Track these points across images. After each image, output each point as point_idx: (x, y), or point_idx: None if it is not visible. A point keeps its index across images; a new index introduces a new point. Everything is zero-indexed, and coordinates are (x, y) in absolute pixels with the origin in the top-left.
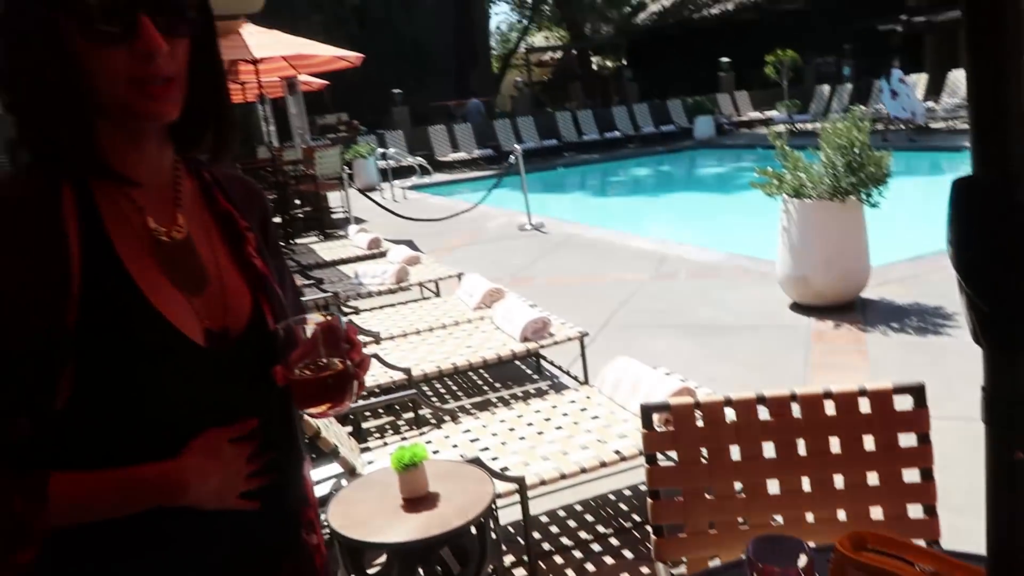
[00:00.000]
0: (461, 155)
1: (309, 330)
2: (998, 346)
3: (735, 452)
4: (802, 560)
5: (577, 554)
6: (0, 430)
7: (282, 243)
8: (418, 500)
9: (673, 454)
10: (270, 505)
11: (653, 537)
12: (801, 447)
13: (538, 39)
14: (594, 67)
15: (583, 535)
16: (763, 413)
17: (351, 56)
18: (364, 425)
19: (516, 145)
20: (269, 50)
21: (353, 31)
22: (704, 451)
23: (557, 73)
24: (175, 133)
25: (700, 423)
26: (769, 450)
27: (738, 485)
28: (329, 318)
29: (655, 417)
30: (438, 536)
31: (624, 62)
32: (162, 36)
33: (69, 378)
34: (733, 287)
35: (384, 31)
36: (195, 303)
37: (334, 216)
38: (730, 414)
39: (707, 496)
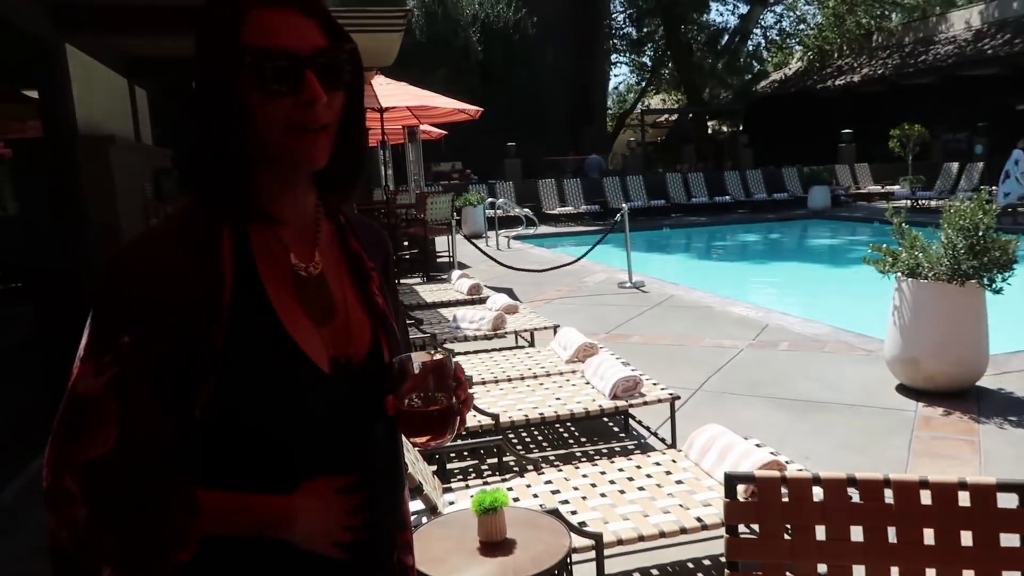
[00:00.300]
0: (568, 209)
1: (418, 366)
2: None
3: (820, 532)
4: None
5: None
6: (152, 429)
7: None
8: (495, 545)
9: (755, 527)
10: (362, 553)
11: None
12: (892, 535)
13: (655, 101)
14: (709, 131)
15: None
16: (854, 495)
17: (470, 109)
18: (449, 466)
19: (624, 203)
20: (395, 100)
21: (475, 84)
22: (788, 527)
23: (671, 135)
24: (319, 178)
25: (785, 498)
26: (857, 534)
27: (822, 567)
28: (440, 356)
29: (739, 488)
30: None
31: (740, 127)
32: (322, 88)
33: (208, 391)
34: (836, 362)
35: (504, 85)
36: (323, 333)
37: (439, 260)
38: (818, 493)
39: (788, 574)
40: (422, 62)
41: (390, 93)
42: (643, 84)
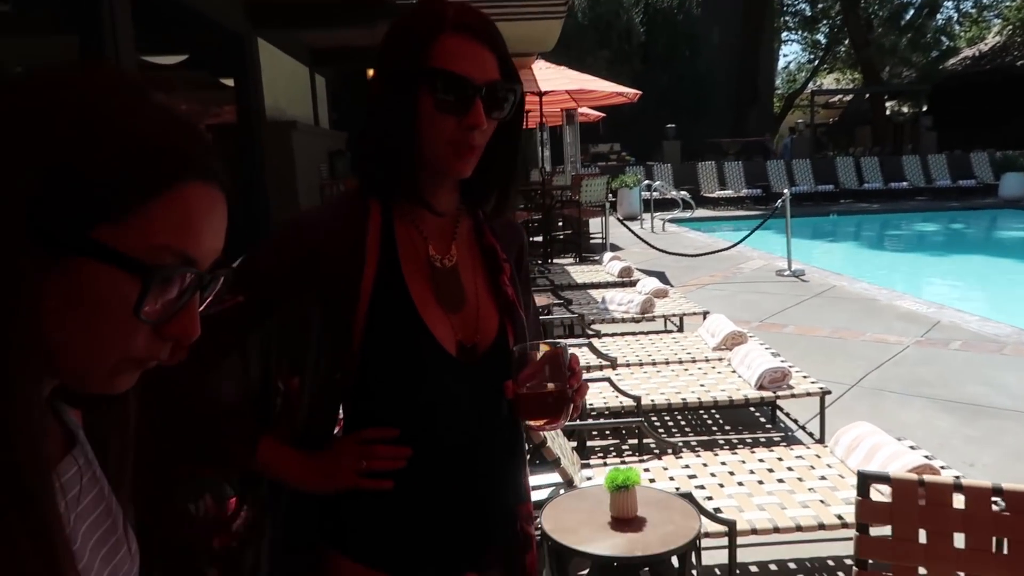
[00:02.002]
0: (727, 192)
1: (540, 355)
2: None
3: (959, 540)
4: None
5: None
6: (216, 369)
7: (540, 262)
8: (625, 521)
9: (888, 528)
10: (492, 497)
11: None
12: None
13: (827, 80)
14: (887, 112)
15: None
16: (999, 506)
17: (629, 92)
18: (589, 443)
19: (786, 189)
20: (554, 84)
21: (636, 66)
22: (923, 532)
23: (844, 116)
24: (464, 185)
25: (922, 502)
26: (1002, 547)
27: None
28: (557, 347)
29: (873, 487)
30: (638, 557)
31: (923, 109)
32: (485, 116)
33: (348, 358)
34: (1016, 366)
35: (666, 67)
36: (452, 319)
37: (592, 241)
38: (960, 500)
39: None
40: (584, 45)
41: (549, 77)
42: (815, 63)
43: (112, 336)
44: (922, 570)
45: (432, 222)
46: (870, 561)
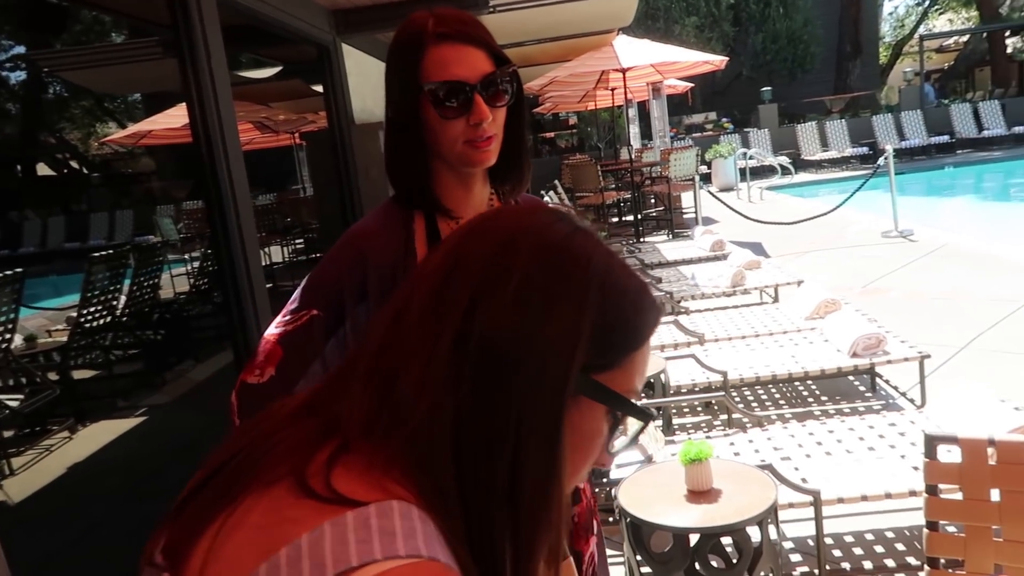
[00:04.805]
0: (831, 154)
1: None
2: None
3: None
4: None
5: None
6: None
7: (632, 240)
8: (700, 493)
9: (959, 490)
10: None
11: (927, 568)
12: None
13: (939, 23)
14: (1008, 51)
15: (887, 562)
16: None
17: (715, 59)
18: (678, 420)
19: (888, 145)
20: (637, 59)
21: (727, 30)
22: (996, 491)
23: (960, 60)
24: (492, 173)
25: (992, 461)
26: None
27: None
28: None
29: (941, 448)
30: (713, 528)
31: None
32: (488, 107)
33: None
34: None
35: (758, 27)
36: None
37: (686, 216)
38: None
39: (995, 539)
40: (669, 12)
41: (631, 52)
42: (925, 4)
43: (585, 467)
44: (996, 527)
45: (470, 215)
46: (941, 522)
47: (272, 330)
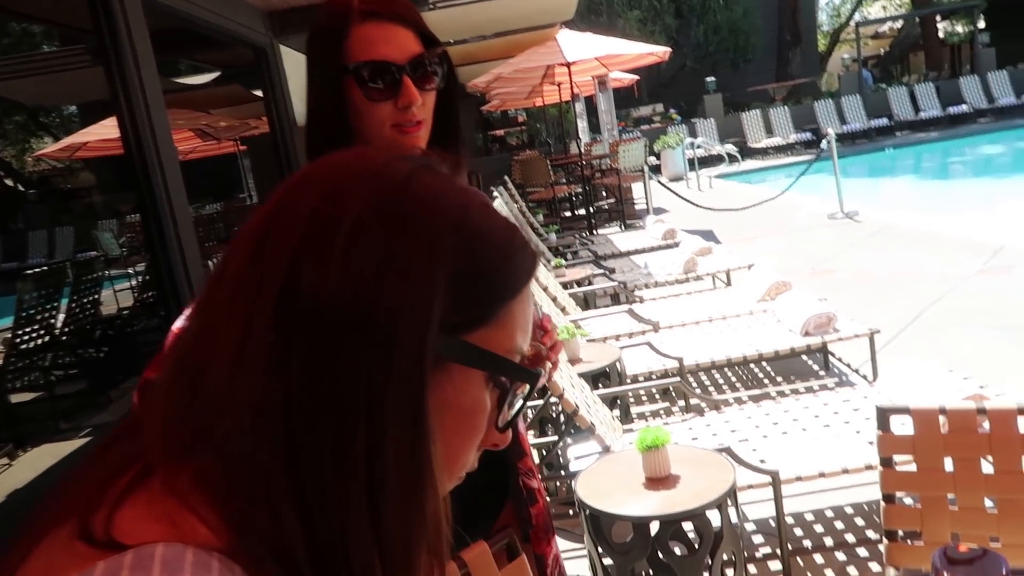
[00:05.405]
0: (775, 140)
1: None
2: None
3: (988, 465)
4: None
5: (839, 555)
6: None
7: (584, 233)
8: (658, 480)
9: (912, 460)
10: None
11: (886, 541)
12: None
13: (874, 9)
14: (940, 35)
15: (847, 537)
16: None
17: (659, 51)
18: (636, 408)
19: (830, 129)
20: (581, 52)
21: (670, 22)
22: (949, 461)
23: (895, 45)
24: None
25: (944, 430)
26: None
27: (990, 501)
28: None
29: (894, 420)
30: (672, 515)
31: (979, 26)
32: (417, 90)
33: None
34: None
35: (700, 19)
36: None
37: (637, 207)
38: (987, 425)
39: (951, 507)
40: (613, 7)
41: (575, 45)
42: None
43: (468, 450)
44: (951, 496)
45: None
46: (898, 494)
47: (179, 323)
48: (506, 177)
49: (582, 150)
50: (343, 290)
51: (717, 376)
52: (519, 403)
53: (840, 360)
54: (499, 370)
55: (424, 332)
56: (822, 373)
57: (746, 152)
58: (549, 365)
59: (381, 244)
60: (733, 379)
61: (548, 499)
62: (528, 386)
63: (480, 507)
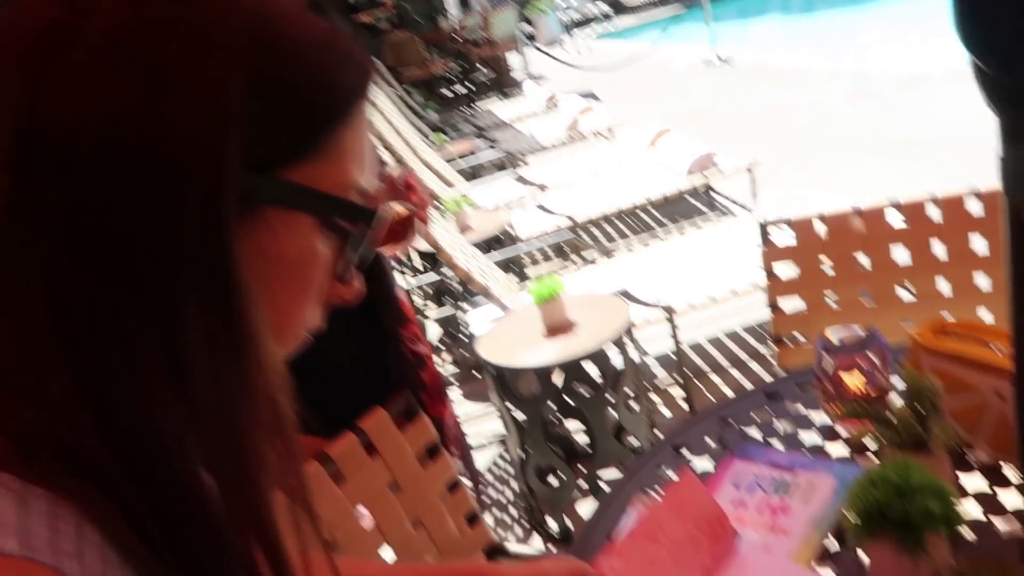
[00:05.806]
0: None
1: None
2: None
3: (865, 262)
4: (871, 346)
5: (735, 373)
6: None
7: (466, 107)
8: (558, 329)
9: (794, 268)
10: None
11: (775, 347)
12: (940, 251)
13: None
14: None
15: (740, 354)
16: (897, 221)
17: None
18: (531, 271)
19: None
20: None
21: None
22: (829, 263)
23: None
24: None
25: (824, 236)
26: (904, 257)
27: (866, 297)
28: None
29: (776, 233)
30: (572, 358)
31: None
32: None
33: None
34: (945, 96)
35: None
36: None
37: (515, 76)
38: (860, 225)
39: (832, 307)
40: None
41: None
42: None
43: (303, 307)
44: (834, 296)
45: None
46: (783, 305)
47: None
48: (376, 60)
49: (456, 25)
50: (102, 124)
51: (609, 228)
52: (362, 248)
53: (724, 196)
54: (329, 211)
55: (218, 169)
56: (707, 211)
57: (620, 10)
58: (417, 222)
59: (146, 58)
60: (624, 228)
61: (441, 363)
62: (369, 228)
63: (363, 396)
